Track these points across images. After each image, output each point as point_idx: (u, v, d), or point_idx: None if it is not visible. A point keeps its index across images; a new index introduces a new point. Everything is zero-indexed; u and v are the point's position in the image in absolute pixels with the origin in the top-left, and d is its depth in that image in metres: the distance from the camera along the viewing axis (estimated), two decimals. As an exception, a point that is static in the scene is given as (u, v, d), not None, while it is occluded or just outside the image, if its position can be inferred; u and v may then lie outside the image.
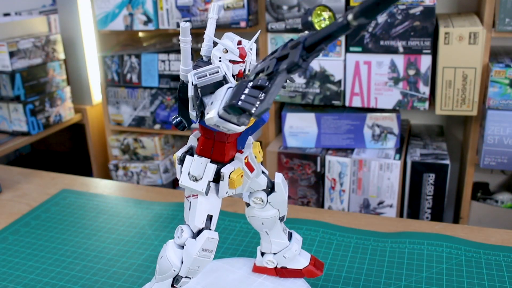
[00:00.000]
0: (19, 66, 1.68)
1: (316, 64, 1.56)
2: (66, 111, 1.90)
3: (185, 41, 0.51)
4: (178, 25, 1.67)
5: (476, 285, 0.71)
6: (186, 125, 0.57)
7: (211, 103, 0.48)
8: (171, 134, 1.91)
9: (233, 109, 0.42)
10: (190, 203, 0.57)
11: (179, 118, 0.57)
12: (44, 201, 1.03)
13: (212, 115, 0.46)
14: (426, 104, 1.50)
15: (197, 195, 0.57)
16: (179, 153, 0.58)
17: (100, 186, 1.11)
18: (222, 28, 1.60)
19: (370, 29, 1.46)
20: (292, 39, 0.45)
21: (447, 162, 1.48)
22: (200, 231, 0.57)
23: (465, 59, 1.38)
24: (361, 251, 0.81)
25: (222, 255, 0.81)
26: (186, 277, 0.57)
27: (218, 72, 0.50)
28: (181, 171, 0.57)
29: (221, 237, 0.87)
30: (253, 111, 0.41)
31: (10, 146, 1.70)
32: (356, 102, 1.55)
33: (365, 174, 1.54)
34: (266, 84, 0.41)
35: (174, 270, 0.57)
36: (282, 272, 0.71)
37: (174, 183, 1.98)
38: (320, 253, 0.81)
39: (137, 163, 1.88)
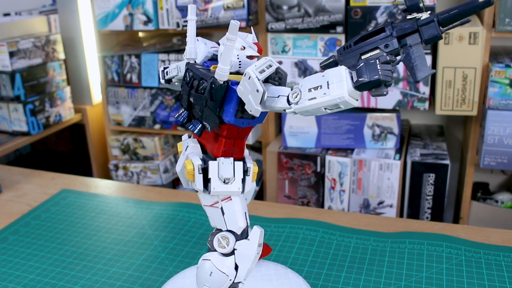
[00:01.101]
0: (19, 66, 1.68)
1: (316, 64, 1.56)
2: (66, 111, 1.90)
3: (233, 39, 0.51)
4: (178, 25, 1.67)
5: (476, 285, 0.71)
6: (209, 129, 0.55)
7: (316, 88, 0.49)
8: (171, 134, 1.91)
9: (373, 84, 0.46)
10: (221, 208, 0.56)
11: (199, 125, 0.56)
12: (44, 201, 1.03)
13: (339, 94, 0.47)
14: (426, 104, 1.50)
15: (228, 197, 0.56)
16: (197, 162, 0.56)
17: (100, 186, 1.11)
18: (222, 28, 1.60)
19: (370, 29, 1.46)
20: (392, 22, 0.50)
21: (447, 162, 1.48)
22: (243, 231, 0.56)
23: (465, 59, 1.38)
24: (361, 251, 0.81)
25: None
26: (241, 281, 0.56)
27: (271, 65, 0.51)
28: (209, 178, 0.55)
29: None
30: (391, 82, 0.46)
31: (10, 146, 1.70)
32: (356, 102, 1.55)
33: (365, 174, 1.54)
34: (394, 59, 0.47)
35: (231, 279, 0.55)
36: None
37: (174, 183, 1.98)
38: (320, 253, 0.81)
39: (137, 163, 1.88)
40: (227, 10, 1.57)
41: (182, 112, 0.59)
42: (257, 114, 0.51)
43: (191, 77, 0.56)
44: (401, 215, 1.58)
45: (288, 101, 0.51)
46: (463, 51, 1.37)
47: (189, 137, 0.61)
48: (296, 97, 0.50)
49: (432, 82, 1.51)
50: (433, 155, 1.53)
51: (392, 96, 1.51)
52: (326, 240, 0.84)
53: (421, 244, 0.81)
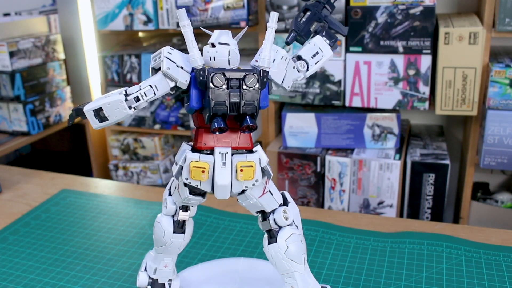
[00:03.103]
0: (19, 66, 1.68)
1: (316, 64, 1.56)
2: (66, 111, 1.90)
3: (273, 28, 0.57)
4: (178, 25, 1.67)
5: (476, 285, 0.71)
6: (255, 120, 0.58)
7: (314, 55, 0.63)
8: (171, 134, 1.91)
9: (337, 40, 0.66)
10: (269, 191, 0.61)
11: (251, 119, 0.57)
12: (44, 201, 1.03)
13: (331, 52, 0.64)
14: (426, 104, 1.50)
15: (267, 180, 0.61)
16: (264, 159, 0.59)
17: (100, 186, 1.11)
18: (222, 28, 1.60)
19: (370, 29, 1.46)
20: (306, 4, 0.65)
21: (447, 162, 1.48)
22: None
23: (465, 59, 1.38)
24: (361, 251, 0.81)
25: (222, 255, 0.81)
26: None
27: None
28: (264, 166, 0.59)
29: (221, 237, 0.87)
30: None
31: (10, 146, 1.70)
32: (356, 102, 1.55)
33: (365, 174, 1.54)
34: (327, 25, 0.67)
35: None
36: None
37: (174, 183, 1.98)
38: (320, 253, 0.81)
39: (137, 163, 1.88)
40: (227, 10, 1.57)
41: (216, 119, 0.56)
42: (289, 89, 0.61)
43: (224, 80, 0.55)
44: (401, 215, 1.58)
45: (297, 71, 0.62)
46: (463, 51, 1.37)
47: (196, 150, 0.58)
48: (303, 66, 0.62)
49: (432, 82, 1.51)
50: (433, 155, 1.53)
51: (392, 96, 1.51)
52: (326, 240, 0.84)
53: (421, 244, 0.81)
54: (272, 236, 0.60)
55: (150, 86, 0.56)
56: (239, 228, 0.89)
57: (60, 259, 0.82)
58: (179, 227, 0.63)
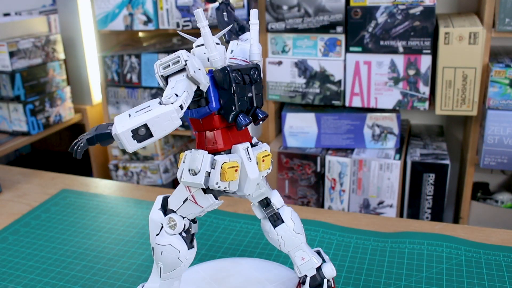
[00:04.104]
0: (19, 66, 1.68)
1: (316, 64, 1.56)
2: (66, 111, 1.90)
3: (257, 23, 0.61)
4: (178, 25, 1.67)
5: (476, 285, 0.71)
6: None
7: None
8: (171, 134, 1.91)
9: None
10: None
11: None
12: (44, 201, 1.03)
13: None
14: (426, 104, 1.50)
15: None
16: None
17: (100, 186, 1.11)
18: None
19: (370, 29, 1.46)
20: (218, 7, 0.66)
21: (447, 162, 1.48)
22: None
23: (465, 59, 1.38)
24: (361, 251, 0.81)
25: (222, 255, 0.81)
26: None
27: None
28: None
29: (221, 237, 0.87)
30: None
31: (10, 146, 1.70)
32: (356, 102, 1.55)
33: (365, 174, 1.54)
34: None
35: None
36: None
37: (174, 183, 1.98)
38: (320, 253, 0.81)
39: (137, 163, 1.88)
40: (227, 10, 1.57)
41: (241, 116, 0.56)
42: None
43: (240, 75, 0.56)
44: (401, 215, 1.58)
45: None
46: (463, 51, 1.37)
47: (216, 153, 0.57)
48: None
49: (432, 82, 1.51)
50: (433, 155, 1.53)
51: (392, 96, 1.51)
52: (326, 240, 0.84)
53: (421, 244, 0.81)
54: (276, 219, 0.63)
55: (184, 92, 0.52)
56: (239, 228, 0.89)
57: (60, 259, 0.82)
58: (190, 242, 0.60)
